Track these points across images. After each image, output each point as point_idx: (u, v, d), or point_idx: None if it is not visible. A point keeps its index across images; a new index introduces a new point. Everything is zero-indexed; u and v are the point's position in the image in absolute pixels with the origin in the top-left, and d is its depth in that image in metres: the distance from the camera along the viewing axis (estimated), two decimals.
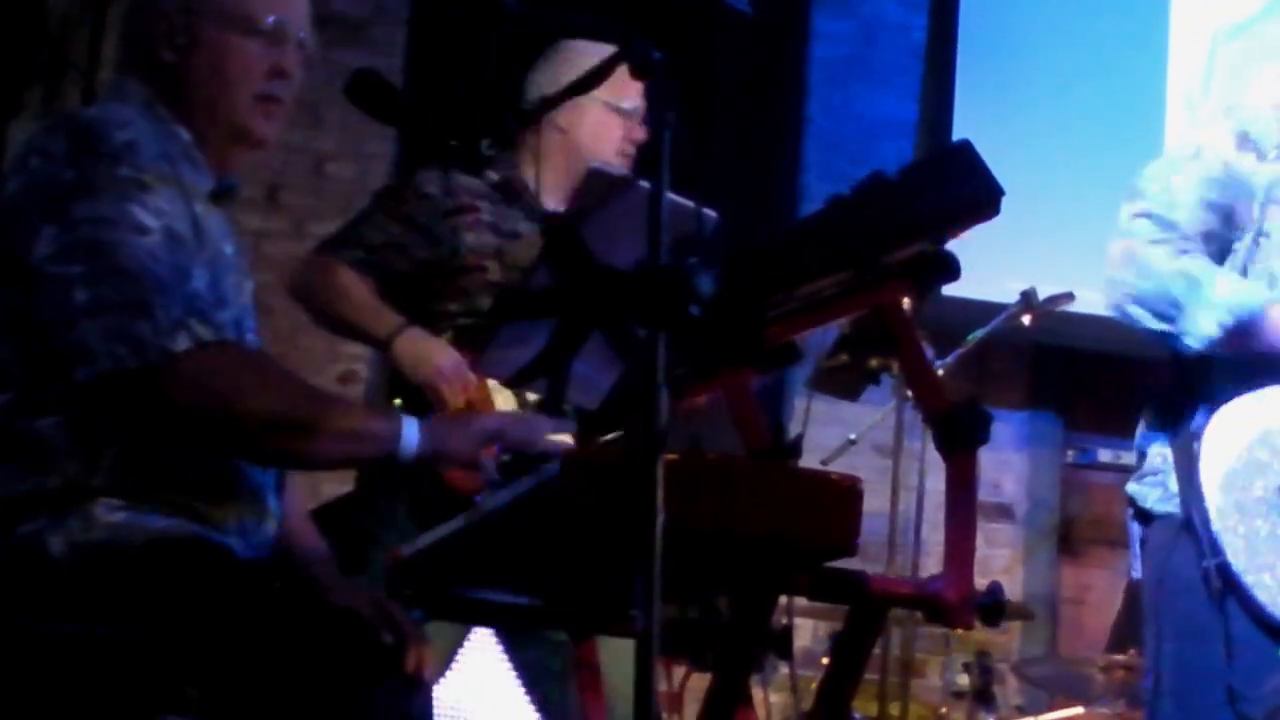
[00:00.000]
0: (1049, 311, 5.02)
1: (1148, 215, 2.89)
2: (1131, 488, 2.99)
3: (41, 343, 2.26)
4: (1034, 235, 5.70)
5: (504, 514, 2.08)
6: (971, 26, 6.21)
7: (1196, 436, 2.83)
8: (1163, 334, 2.83)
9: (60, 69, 5.18)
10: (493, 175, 3.44)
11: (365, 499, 3.39)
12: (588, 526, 1.91)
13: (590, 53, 3.35)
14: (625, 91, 3.42)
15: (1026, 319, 5.01)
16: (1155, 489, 2.93)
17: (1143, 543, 2.97)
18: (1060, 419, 6.30)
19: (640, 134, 3.47)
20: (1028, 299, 4.99)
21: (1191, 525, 2.79)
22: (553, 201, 3.47)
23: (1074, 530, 6.27)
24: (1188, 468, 2.82)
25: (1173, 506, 2.86)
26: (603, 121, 3.47)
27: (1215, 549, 2.75)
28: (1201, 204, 2.87)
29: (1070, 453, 6.24)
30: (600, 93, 3.08)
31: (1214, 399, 2.84)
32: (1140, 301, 2.84)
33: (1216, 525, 2.75)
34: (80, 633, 2.18)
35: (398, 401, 3.31)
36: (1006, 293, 5.11)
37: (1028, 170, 5.65)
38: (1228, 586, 2.74)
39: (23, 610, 2.19)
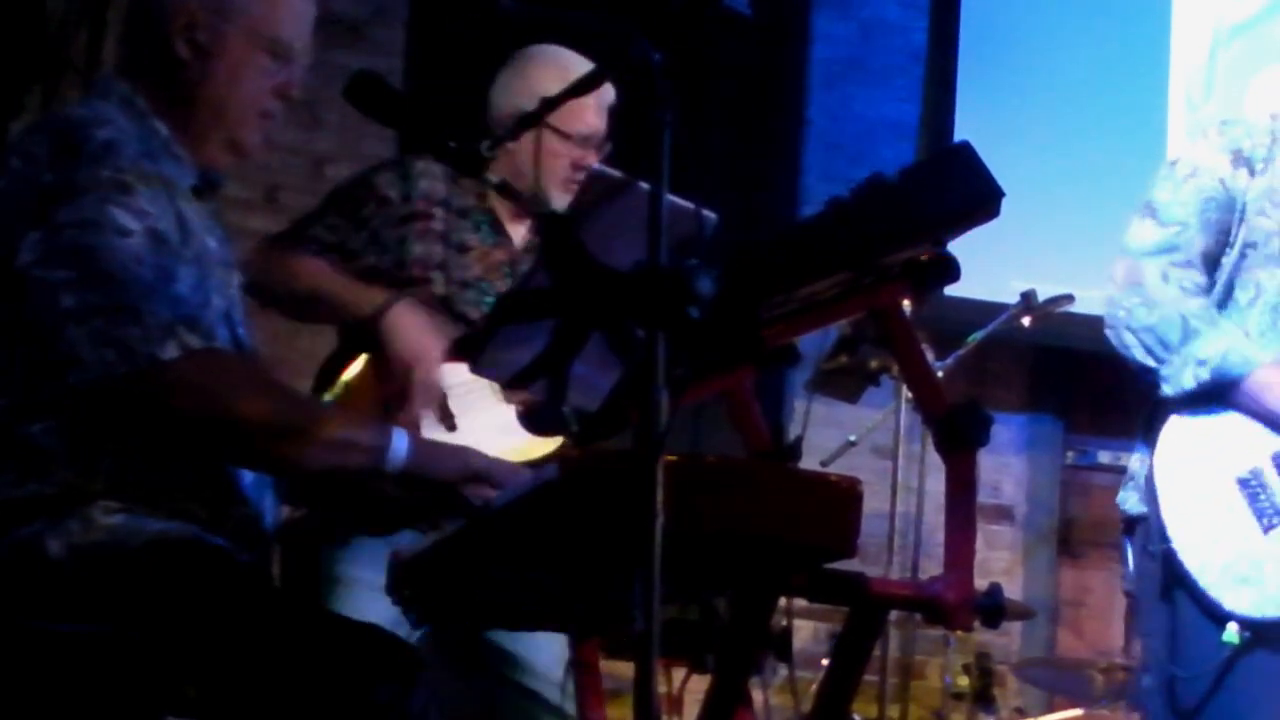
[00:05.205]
0: (1049, 313, 5.03)
1: (1153, 235, 2.92)
2: (1119, 495, 3.03)
3: (33, 348, 2.26)
4: (1034, 236, 5.70)
5: (504, 515, 2.08)
6: (972, 27, 6.20)
7: (1159, 430, 2.88)
8: (1145, 368, 2.88)
9: (60, 69, 5.18)
10: (492, 177, 3.41)
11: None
12: (588, 528, 1.91)
13: (551, 62, 3.30)
14: (581, 117, 3.30)
15: (1026, 320, 5.02)
16: (1134, 493, 2.97)
17: (1130, 551, 3.00)
18: (1060, 421, 6.30)
19: (591, 159, 3.28)
20: (1028, 300, 4.99)
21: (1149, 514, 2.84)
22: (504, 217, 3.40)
23: (1074, 532, 6.27)
24: (1151, 454, 2.87)
25: (1146, 507, 2.90)
26: (547, 147, 3.33)
27: (1163, 535, 2.78)
28: (1201, 224, 2.91)
29: (1070, 454, 6.24)
30: (551, 116, 2.85)
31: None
32: (1135, 332, 2.90)
33: (1167, 512, 2.79)
34: (79, 633, 2.18)
35: (364, 357, 3.21)
36: (1007, 293, 5.11)
37: (1028, 171, 5.66)
38: (1174, 573, 2.77)
39: (22, 611, 2.20)
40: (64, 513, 2.23)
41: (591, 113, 3.34)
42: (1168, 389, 2.87)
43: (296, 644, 2.20)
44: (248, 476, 2.39)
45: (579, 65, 3.17)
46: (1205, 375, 2.83)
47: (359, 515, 3.11)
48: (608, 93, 3.37)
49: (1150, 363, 2.88)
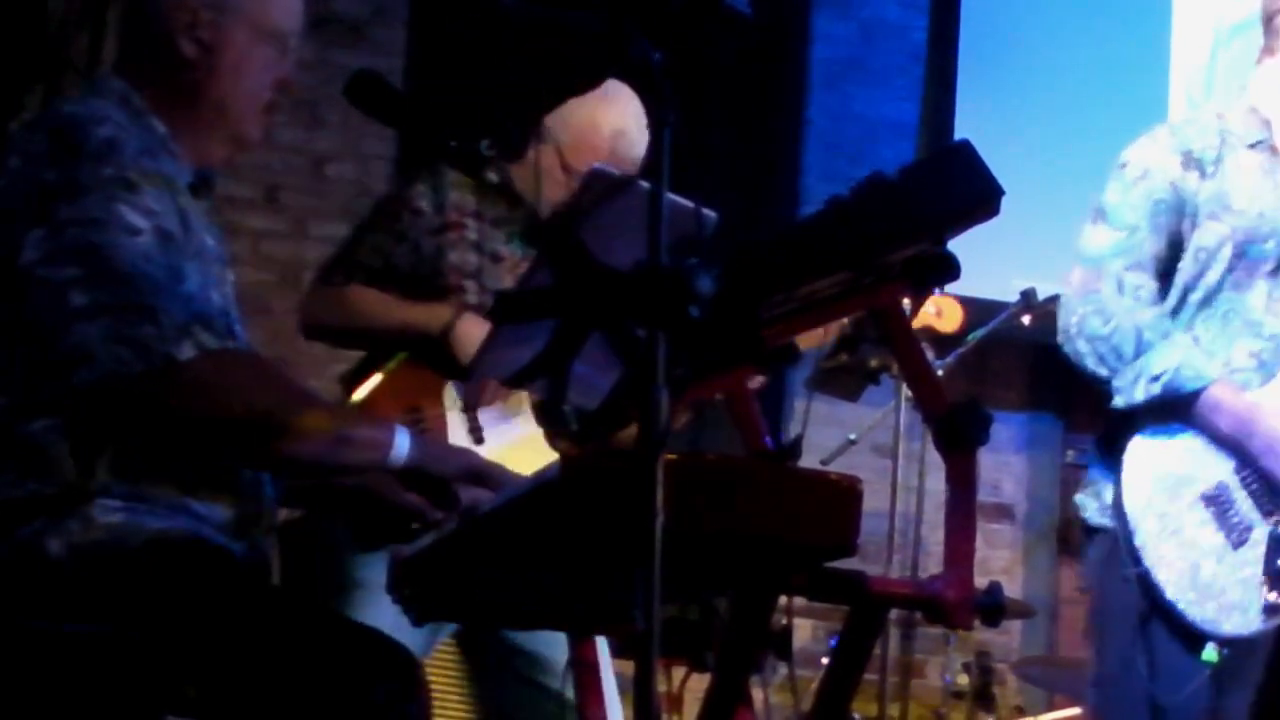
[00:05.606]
0: (1049, 311, 5.01)
1: (1106, 239, 2.92)
2: (1077, 498, 3.02)
3: (35, 346, 2.25)
4: (1034, 236, 5.70)
5: (503, 515, 2.08)
6: (972, 27, 6.20)
7: (1125, 448, 2.86)
8: (1095, 377, 2.87)
9: (60, 69, 5.18)
10: (492, 177, 3.42)
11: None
12: (588, 528, 1.91)
13: (614, 102, 3.34)
14: (594, 161, 3.22)
15: (1026, 319, 5.02)
16: (1093, 500, 2.95)
17: (1090, 555, 2.99)
18: (1060, 419, 6.30)
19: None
20: (1028, 299, 4.99)
21: (1119, 537, 2.82)
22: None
23: (1074, 531, 6.25)
24: (1117, 478, 2.85)
25: (1107, 519, 2.88)
26: (553, 175, 3.41)
27: (1136, 559, 2.76)
28: (1152, 227, 2.91)
29: (1070, 453, 6.24)
30: (565, 148, 3.13)
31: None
32: (1090, 340, 2.88)
33: (1138, 535, 2.77)
34: (80, 633, 2.18)
35: (402, 355, 3.31)
36: (1007, 292, 5.11)
37: (1028, 170, 5.66)
38: (1150, 596, 2.76)
39: (22, 611, 2.19)
40: (64, 512, 2.23)
41: (606, 160, 3.35)
42: (1119, 400, 2.87)
43: (295, 644, 2.20)
44: (248, 474, 2.39)
45: (634, 116, 3.32)
46: (1157, 390, 2.82)
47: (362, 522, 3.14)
48: (634, 150, 3.39)
49: (1102, 371, 2.89)
